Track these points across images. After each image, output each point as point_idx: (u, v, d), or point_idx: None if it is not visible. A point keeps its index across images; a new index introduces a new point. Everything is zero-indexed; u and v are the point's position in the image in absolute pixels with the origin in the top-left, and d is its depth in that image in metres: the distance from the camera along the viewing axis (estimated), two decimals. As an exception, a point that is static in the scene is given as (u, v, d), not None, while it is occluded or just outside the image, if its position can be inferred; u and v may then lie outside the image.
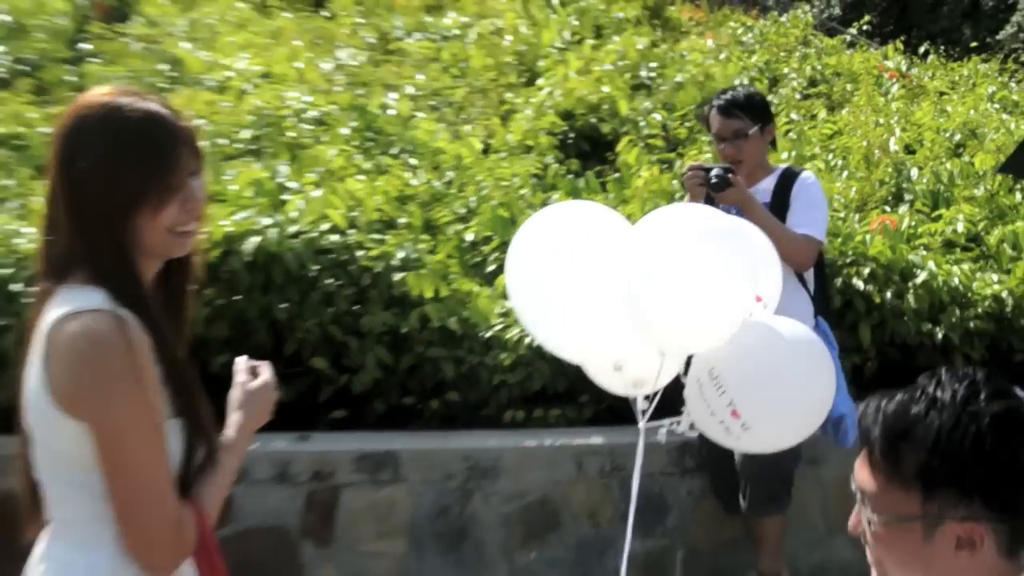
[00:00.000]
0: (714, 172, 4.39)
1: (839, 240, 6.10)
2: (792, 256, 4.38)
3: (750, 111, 4.74)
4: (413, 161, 7.05)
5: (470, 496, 5.23)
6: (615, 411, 3.56)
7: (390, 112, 7.63)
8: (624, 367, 3.42)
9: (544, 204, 6.24)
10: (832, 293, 5.28)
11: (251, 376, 2.33)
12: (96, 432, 1.89)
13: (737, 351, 3.26)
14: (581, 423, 5.58)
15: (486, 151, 7.44)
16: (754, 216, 4.38)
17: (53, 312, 1.93)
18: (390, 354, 5.48)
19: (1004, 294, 6.11)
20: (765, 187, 4.70)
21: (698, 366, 3.40)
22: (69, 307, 1.92)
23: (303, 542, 5.11)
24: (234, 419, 2.23)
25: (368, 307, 5.52)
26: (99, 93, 2.05)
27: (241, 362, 2.37)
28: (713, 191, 4.41)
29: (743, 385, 3.25)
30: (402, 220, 6.10)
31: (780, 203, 4.61)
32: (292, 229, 5.58)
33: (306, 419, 5.53)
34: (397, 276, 5.57)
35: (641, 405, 3.53)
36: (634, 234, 3.34)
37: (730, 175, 4.39)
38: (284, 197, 6.00)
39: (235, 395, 2.28)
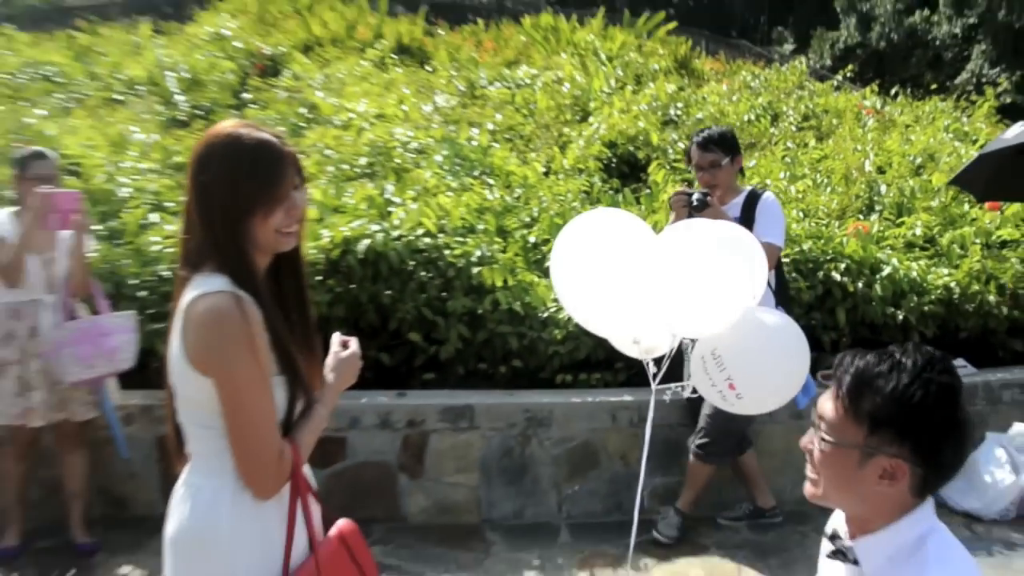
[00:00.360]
0: (695, 196, 4.37)
1: (821, 241, 5.98)
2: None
3: (723, 145, 4.71)
4: (490, 181, 7.01)
5: (528, 440, 5.17)
6: (643, 376, 3.54)
7: (473, 143, 7.56)
8: (640, 341, 3.37)
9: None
10: (789, 288, 5.17)
11: (343, 347, 2.28)
12: (219, 386, 1.92)
13: (736, 337, 3.21)
14: (616, 384, 5.51)
15: (547, 173, 7.39)
16: None
17: (188, 295, 1.95)
18: (468, 330, 5.46)
19: (953, 284, 5.98)
20: (735, 204, 4.67)
21: (703, 346, 3.34)
22: (200, 290, 1.93)
23: (400, 474, 5.10)
24: (328, 379, 2.20)
25: (452, 293, 5.49)
26: (225, 125, 2.04)
27: (336, 337, 2.32)
28: (694, 211, 4.36)
29: (740, 365, 3.21)
30: (480, 226, 6.05)
31: (747, 217, 4.55)
32: (395, 233, 5.57)
33: (403, 380, 5.53)
34: (475, 269, 5.55)
35: (651, 370, 3.47)
36: (659, 240, 3.29)
37: (708, 197, 4.38)
38: (390, 209, 5.99)
39: (329, 361, 2.24)
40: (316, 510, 2.16)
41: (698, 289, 3.11)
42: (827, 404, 1.69)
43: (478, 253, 5.64)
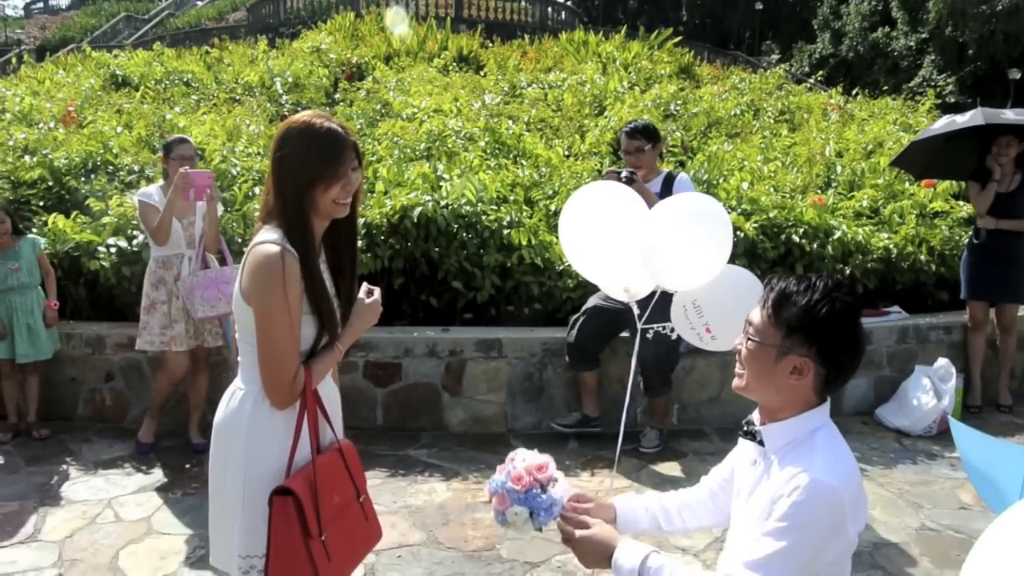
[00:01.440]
0: (624, 175, 4.24)
1: (785, 210, 5.78)
2: None
3: (646, 134, 4.61)
4: (522, 162, 6.87)
5: (545, 367, 5.08)
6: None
7: (509, 132, 7.41)
8: (629, 289, 3.26)
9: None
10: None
11: (368, 295, 2.19)
12: (256, 314, 1.92)
13: (713, 291, 3.13)
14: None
15: (568, 156, 7.20)
16: (650, 203, 4.32)
17: (253, 241, 1.96)
18: (500, 279, 5.38)
19: (891, 246, 5.76)
20: (656, 182, 4.59)
21: (685, 296, 3.24)
22: (259, 239, 1.94)
23: (443, 393, 5.05)
24: (351, 320, 2.13)
25: (487, 251, 5.39)
26: (303, 114, 2.01)
27: (365, 286, 2.22)
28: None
29: (715, 313, 3.15)
30: (511, 197, 5.92)
31: (666, 194, 4.40)
32: (443, 203, 5.48)
33: (448, 319, 5.46)
34: (506, 231, 5.44)
35: (636, 311, 3.35)
36: (651, 211, 3.18)
37: (635, 175, 4.27)
38: (440, 183, 5.90)
39: (356, 305, 2.15)
40: (326, 428, 2.11)
41: (681, 254, 3.03)
42: (755, 313, 1.71)
43: (508, 218, 5.53)
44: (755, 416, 1.79)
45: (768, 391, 1.69)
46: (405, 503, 4.09)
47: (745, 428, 1.79)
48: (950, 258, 5.89)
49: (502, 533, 3.76)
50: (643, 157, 4.58)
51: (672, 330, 3.46)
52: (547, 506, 1.84)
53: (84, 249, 5.23)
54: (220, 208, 4.83)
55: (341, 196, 1.98)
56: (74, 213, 5.55)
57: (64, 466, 4.50)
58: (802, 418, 1.67)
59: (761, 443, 1.72)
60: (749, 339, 1.70)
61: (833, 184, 6.96)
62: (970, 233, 5.57)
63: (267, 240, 1.91)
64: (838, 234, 5.64)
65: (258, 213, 2.08)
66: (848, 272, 5.56)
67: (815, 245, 5.59)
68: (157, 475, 4.40)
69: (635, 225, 3.13)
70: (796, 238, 5.57)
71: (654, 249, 3.06)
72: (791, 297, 1.65)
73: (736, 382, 1.76)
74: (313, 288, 1.95)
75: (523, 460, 1.90)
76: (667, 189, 4.52)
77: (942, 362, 5.26)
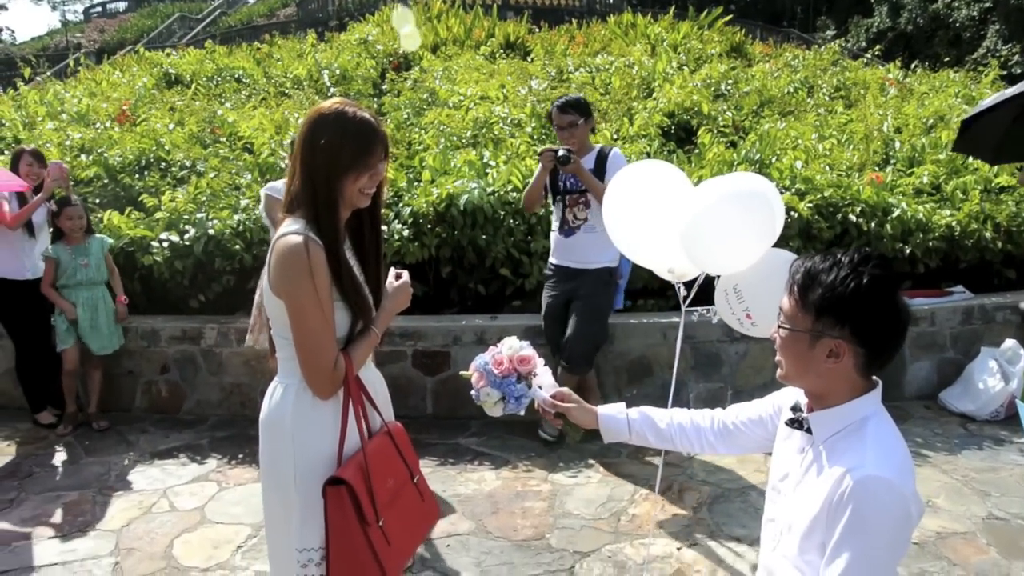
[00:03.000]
0: (560, 153, 4.21)
1: (841, 189, 5.58)
2: None
3: (578, 108, 4.44)
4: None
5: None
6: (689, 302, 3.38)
7: (556, 117, 7.30)
8: (674, 270, 3.17)
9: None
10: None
11: (397, 279, 2.17)
12: (287, 306, 1.89)
13: (755, 276, 2.99)
14: (667, 309, 5.29)
15: (616, 139, 7.07)
16: (586, 181, 4.33)
17: (279, 232, 1.92)
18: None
19: (954, 224, 5.50)
20: (588, 159, 4.43)
21: (727, 281, 3.12)
22: (284, 230, 1.90)
23: (492, 381, 4.98)
24: (384, 303, 2.11)
25: (535, 237, 5.35)
26: (333, 102, 1.98)
27: (392, 270, 2.20)
28: (560, 165, 4.24)
29: (756, 298, 3.01)
30: (559, 184, 5.82)
31: (599, 169, 4.36)
32: (489, 189, 5.44)
33: (497, 306, 5.43)
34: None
35: (682, 292, 3.27)
36: (694, 191, 3.05)
37: (572, 154, 4.21)
38: (486, 170, 5.86)
39: (387, 288, 2.14)
40: (373, 414, 2.07)
41: (719, 237, 2.90)
42: (785, 299, 1.62)
43: (555, 205, 5.43)
44: (802, 401, 1.70)
45: (809, 378, 1.61)
46: (455, 492, 4.08)
47: (792, 413, 1.70)
48: (1017, 235, 5.63)
49: (551, 523, 3.71)
50: (576, 132, 4.42)
51: (715, 314, 3.35)
52: (518, 395, 1.94)
53: (138, 244, 5.33)
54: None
55: (368, 186, 1.97)
56: (128, 209, 5.65)
57: (122, 457, 4.59)
58: (851, 405, 1.58)
59: (809, 431, 1.64)
60: (780, 327, 1.62)
61: (892, 161, 6.70)
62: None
63: (290, 231, 1.89)
64: (897, 212, 5.42)
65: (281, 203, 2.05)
66: (908, 251, 5.35)
67: (873, 224, 5.39)
68: (211, 465, 4.46)
69: (676, 206, 3.02)
70: (853, 217, 5.37)
71: (692, 232, 2.94)
72: (817, 277, 1.55)
73: (778, 372, 1.67)
74: (341, 275, 1.93)
75: (510, 348, 1.99)
76: (600, 165, 4.40)
77: (1010, 343, 5.04)
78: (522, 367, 1.97)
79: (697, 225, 2.92)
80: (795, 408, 1.71)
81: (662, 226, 3.06)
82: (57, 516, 3.89)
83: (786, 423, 1.72)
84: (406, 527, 2.02)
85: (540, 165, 4.42)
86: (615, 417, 2.02)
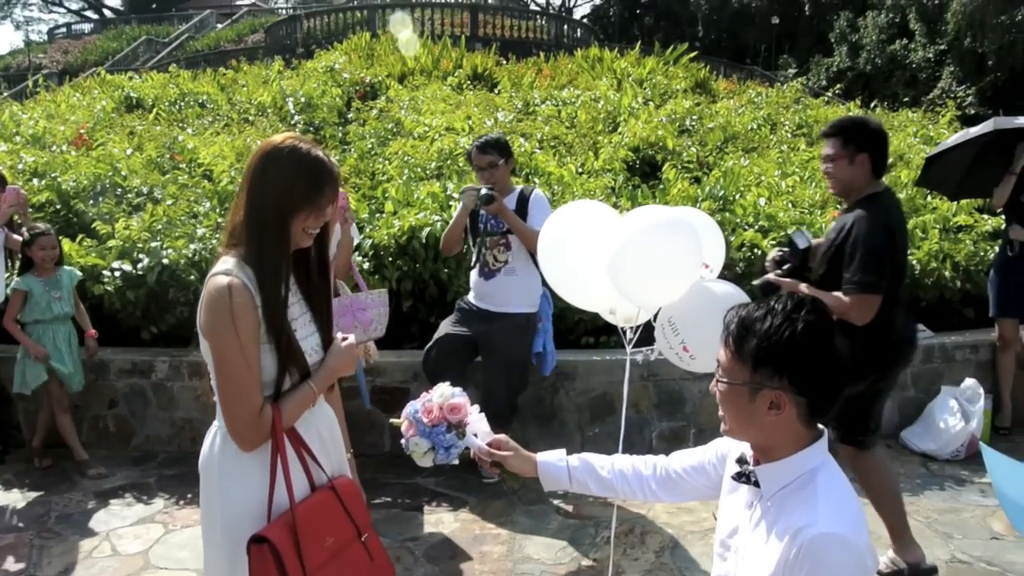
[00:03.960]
0: (483, 192, 4.15)
1: (804, 226, 5.59)
2: (535, 246, 3.95)
3: (498, 148, 4.34)
4: (535, 180, 6.73)
5: (557, 391, 4.93)
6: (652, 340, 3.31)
7: (521, 149, 7.27)
8: (616, 311, 3.10)
9: (614, 207, 5.89)
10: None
11: (343, 340, 2.08)
12: (210, 348, 1.82)
13: (687, 306, 2.92)
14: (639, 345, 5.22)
15: (581, 173, 7.05)
16: (510, 221, 4.22)
17: (211, 270, 1.86)
18: (510, 301, 5.20)
19: (914, 262, 5.53)
20: (509, 199, 4.34)
21: (663, 314, 3.05)
22: (215, 269, 1.84)
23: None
24: (326, 360, 2.01)
25: (497, 271, 5.24)
26: (283, 137, 1.92)
27: (339, 335, 2.11)
28: (483, 205, 4.16)
29: (690, 330, 2.93)
30: (523, 217, 5.75)
31: (521, 210, 4.28)
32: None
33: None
34: (516, 252, 5.25)
35: (628, 336, 3.17)
36: (617, 225, 2.97)
37: (494, 194, 4.16)
38: (449, 203, 5.77)
39: (331, 347, 2.05)
40: (314, 466, 1.98)
41: (644, 267, 2.79)
42: (720, 352, 1.58)
43: (519, 239, 5.36)
44: (747, 453, 1.64)
45: (752, 431, 1.56)
46: (411, 534, 3.94)
47: (738, 466, 1.64)
48: (976, 274, 5.68)
49: (510, 568, 3.60)
50: (496, 172, 4.31)
51: (654, 351, 3.27)
52: (447, 446, 1.89)
53: (89, 273, 5.14)
54: (356, 232, 4.52)
55: (312, 226, 1.92)
56: (80, 236, 5.47)
57: (64, 496, 4.39)
58: (798, 457, 1.53)
59: (756, 484, 1.58)
60: (719, 380, 1.57)
61: (853, 199, 6.76)
62: (997, 248, 5.37)
63: (219, 271, 1.82)
64: (859, 251, 5.43)
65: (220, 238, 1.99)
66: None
67: (835, 262, 5.39)
68: (158, 505, 4.28)
69: (607, 245, 2.91)
70: (816, 255, 5.38)
71: (616, 265, 2.84)
72: (751, 327, 1.51)
73: (722, 427, 1.62)
74: (270, 317, 1.84)
75: (441, 395, 1.93)
76: (522, 206, 4.31)
77: (969, 382, 5.04)
78: (452, 416, 1.90)
79: (619, 258, 2.82)
80: (741, 460, 1.65)
81: (596, 266, 2.94)
82: (-9, 560, 3.69)
83: (732, 477, 1.66)
84: (349, 588, 1.90)
85: (461, 204, 4.31)
86: (555, 464, 1.96)
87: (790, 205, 6.16)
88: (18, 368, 4.64)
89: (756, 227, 5.55)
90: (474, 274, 4.49)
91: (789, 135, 9.56)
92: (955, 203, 6.34)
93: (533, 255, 4.28)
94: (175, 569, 3.61)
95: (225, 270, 1.82)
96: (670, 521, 4.05)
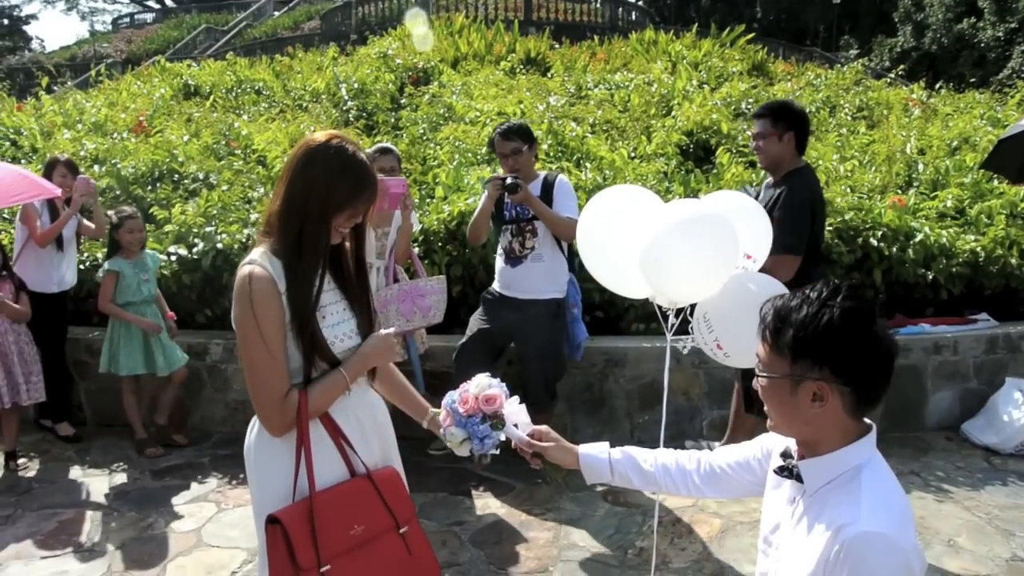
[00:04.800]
0: (508, 181, 4.09)
1: (862, 212, 5.44)
2: (562, 232, 4.17)
3: (521, 135, 4.27)
4: (587, 164, 6.66)
5: (606, 378, 4.89)
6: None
7: (572, 134, 7.21)
8: (655, 299, 3.02)
9: (665, 192, 5.81)
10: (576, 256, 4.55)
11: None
12: (237, 336, 1.87)
13: (721, 303, 2.86)
14: (681, 332, 5.14)
15: (633, 157, 6.96)
16: (536, 208, 4.15)
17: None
18: (560, 286, 5.17)
19: (978, 249, 5.33)
20: (534, 186, 4.25)
21: (699, 309, 2.99)
22: (247, 258, 1.88)
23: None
24: (361, 349, 2.01)
25: (546, 257, 5.20)
26: (328, 135, 1.92)
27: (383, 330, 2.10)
28: (509, 193, 4.11)
29: (724, 326, 2.87)
30: (573, 202, 5.69)
31: (546, 197, 4.21)
32: (501, 208, 5.32)
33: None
34: (565, 237, 5.20)
35: (671, 320, 3.06)
36: (654, 216, 2.86)
37: (519, 182, 4.10)
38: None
39: (370, 337, 2.04)
40: (354, 455, 1.99)
41: (675, 265, 2.73)
42: (758, 346, 1.53)
43: (568, 224, 5.31)
44: (792, 447, 1.59)
45: (797, 426, 1.50)
46: (458, 519, 3.95)
47: (782, 460, 1.60)
48: (1044, 261, 5.46)
49: (555, 555, 3.58)
50: (520, 159, 4.25)
51: (692, 341, 3.20)
52: (482, 436, 1.87)
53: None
54: (416, 219, 4.55)
55: (345, 226, 1.93)
56: (138, 221, 5.59)
57: (122, 474, 4.51)
58: (844, 452, 1.47)
59: (800, 479, 1.53)
60: (758, 375, 1.52)
61: (915, 183, 6.53)
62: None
63: (246, 261, 1.86)
64: (920, 236, 5.26)
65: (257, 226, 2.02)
66: (931, 277, 5.19)
67: (895, 248, 5.23)
68: (211, 484, 4.37)
69: (641, 232, 2.84)
70: (874, 241, 5.22)
71: (648, 260, 2.78)
72: (787, 318, 1.46)
73: (768, 423, 1.57)
74: (295, 308, 1.86)
75: (478, 386, 1.91)
76: (547, 192, 4.25)
77: (1036, 373, 4.87)
78: (487, 407, 1.88)
79: (649, 255, 2.76)
80: (785, 455, 1.60)
81: (633, 255, 2.85)
82: (51, 534, 3.81)
83: (775, 471, 1.61)
84: (371, 579, 1.90)
85: (486, 193, 4.28)
86: (597, 457, 1.93)
87: (848, 190, 5.99)
88: (107, 348, 4.74)
89: (812, 212, 5.41)
90: (499, 262, 4.45)
91: (849, 118, 9.28)
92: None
93: (559, 241, 4.29)
94: (226, 547, 3.68)
95: (250, 259, 1.86)
96: (719, 511, 3.99)
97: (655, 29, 16.97)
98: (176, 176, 6.57)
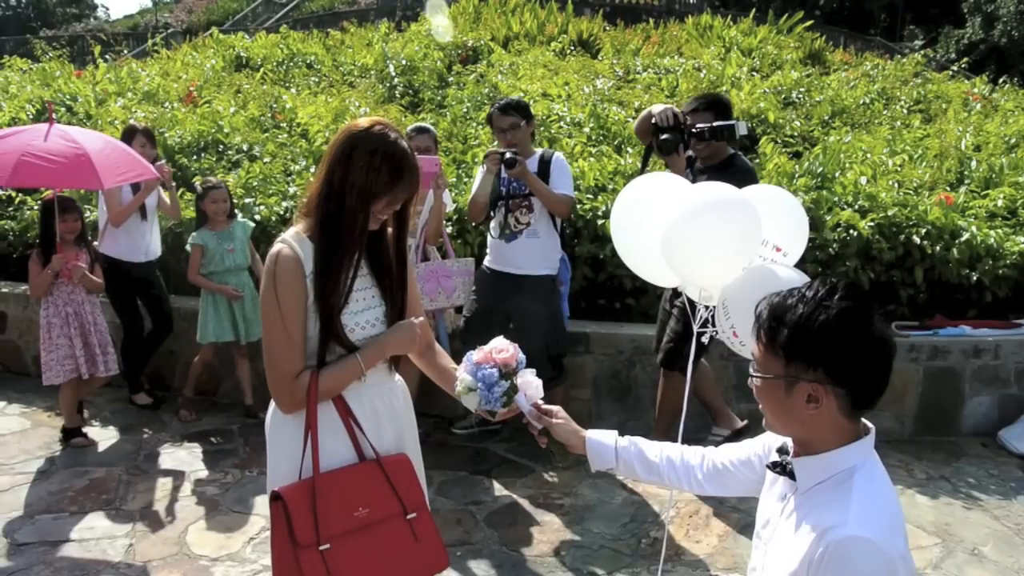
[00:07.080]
0: (507, 156, 4.08)
1: (907, 208, 5.28)
2: (558, 209, 4.23)
3: (519, 110, 4.30)
4: (628, 149, 6.59)
5: (633, 365, 4.85)
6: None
7: (616, 118, 7.13)
8: (685, 289, 2.99)
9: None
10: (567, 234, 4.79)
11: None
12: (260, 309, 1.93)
13: (740, 290, 2.75)
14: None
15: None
16: (532, 184, 4.17)
17: None
18: (591, 271, 5.17)
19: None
20: (531, 163, 4.25)
21: (720, 296, 2.88)
22: (281, 235, 1.93)
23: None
24: (385, 334, 2.02)
25: (580, 240, 5.18)
26: (372, 121, 1.94)
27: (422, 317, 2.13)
28: (506, 167, 4.12)
29: (740, 315, 2.75)
30: (611, 186, 5.64)
31: (543, 173, 4.22)
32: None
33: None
34: (600, 221, 5.16)
35: (700, 312, 2.97)
36: (673, 203, 2.78)
37: (517, 157, 4.08)
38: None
39: (398, 323, 2.05)
40: (353, 438, 1.99)
41: (694, 247, 2.67)
42: (753, 345, 1.49)
43: (604, 208, 5.24)
44: (789, 443, 1.56)
45: (792, 426, 1.48)
46: (475, 499, 3.97)
47: (778, 456, 1.57)
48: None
49: (569, 540, 3.58)
50: (517, 134, 4.25)
51: (716, 331, 3.13)
52: (490, 384, 1.84)
53: (187, 226, 5.35)
54: (448, 199, 4.58)
55: (384, 212, 1.94)
56: (181, 190, 5.68)
57: (153, 437, 4.62)
58: (839, 453, 1.44)
59: (793, 476, 1.50)
60: (752, 375, 1.49)
61: (966, 181, 6.33)
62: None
63: (279, 240, 1.91)
64: (966, 236, 5.09)
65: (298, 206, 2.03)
66: (975, 278, 5.03)
67: (938, 247, 5.07)
68: (238, 451, 4.45)
69: (666, 221, 2.75)
70: (917, 239, 5.07)
71: (668, 244, 2.72)
72: (782, 317, 1.42)
73: (764, 422, 1.55)
74: (320, 291, 1.89)
75: (494, 344, 1.92)
76: (543, 169, 4.24)
77: (1080, 382, 4.71)
78: (499, 355, 1.87)
79: (669, 236, 2.71)
80: (781, 451, 1.57)
81: (652, 245, 2.78)
82: (81, 492, 3.92)
83: (768, 466, 1.59)
84: (372, 562, 1.90)
85: (484, 168, 4.28)
86: (603, 443, 1.90)
87: (895, 185, 5.83)
88: (202, 319, 4.83)
89: (855, 207, 5.28)
90: (492, 237, 4.44)
91: (904, 111, 9.03)
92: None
93: (554, 218, 4.31)
94: (245, 513, 3.75)
95: (282, 238, 1.90)
96: (738, 505, 3.94)
97: (712, 14, 16.66)
98: (220, 147, 6.66)
